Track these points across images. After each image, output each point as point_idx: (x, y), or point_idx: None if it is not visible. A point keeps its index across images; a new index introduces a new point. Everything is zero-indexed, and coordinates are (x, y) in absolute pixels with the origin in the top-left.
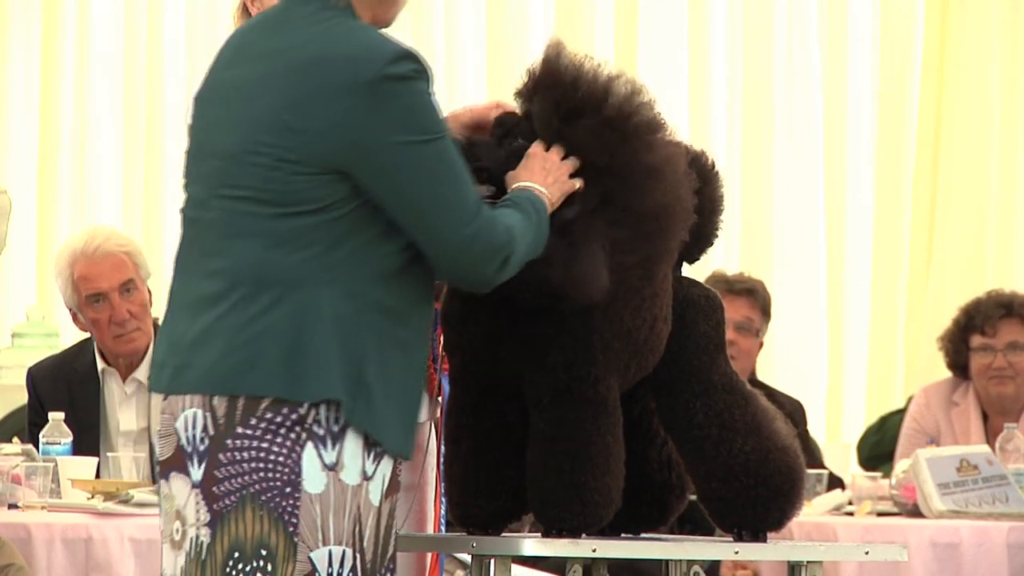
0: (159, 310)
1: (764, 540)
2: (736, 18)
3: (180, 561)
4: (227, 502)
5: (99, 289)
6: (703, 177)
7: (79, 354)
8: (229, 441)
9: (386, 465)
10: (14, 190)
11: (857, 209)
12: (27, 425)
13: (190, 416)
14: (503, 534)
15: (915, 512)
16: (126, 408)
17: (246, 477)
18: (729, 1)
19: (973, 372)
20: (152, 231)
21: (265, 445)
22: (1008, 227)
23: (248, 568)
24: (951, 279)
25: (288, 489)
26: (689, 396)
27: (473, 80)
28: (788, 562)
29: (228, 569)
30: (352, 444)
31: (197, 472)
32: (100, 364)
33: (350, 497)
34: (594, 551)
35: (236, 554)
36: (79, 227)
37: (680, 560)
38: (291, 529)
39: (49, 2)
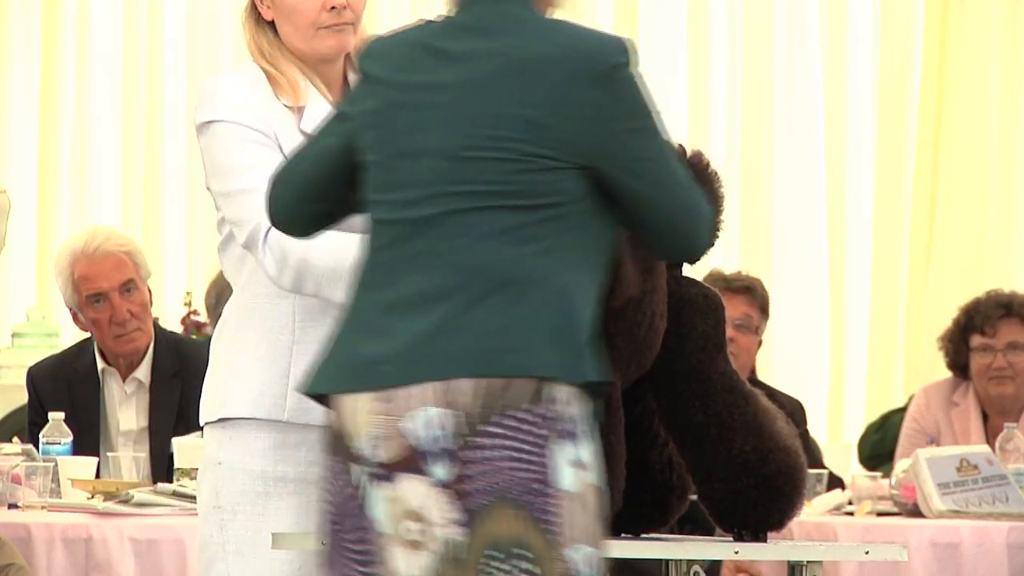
0: (159, 310)
1: (764, 540)
2: (736, 18)
3: (422, 561)
4: (480, 501)
5: (99, 289)
6: (700, 177)
7: (79, 354)
8: (478, 439)
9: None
10: (14, 190)
11: (857, 209)
12: (27, 425)
13: (429, 416)
14: None
15: (915, 512)
16: (126, 408)
17: (499, 476)
18: (729, 1)
19: (973, 372)
20: (152, 231)
21: (514, 443)
22: (1008, 227)
23: (506, 567)
24: (951, 279)
25: (542, 486)
26: (688, 396)
27: None
28: (788, 562)
29: (484, 567)
30: (592, 444)
31: (441, 472)
32: (100, 364)
33: (594, 496)
34: None
35: (493, 553)
36: (79, 227)
37: (680, 560)
38: (549, 527)
39: (49, 2)
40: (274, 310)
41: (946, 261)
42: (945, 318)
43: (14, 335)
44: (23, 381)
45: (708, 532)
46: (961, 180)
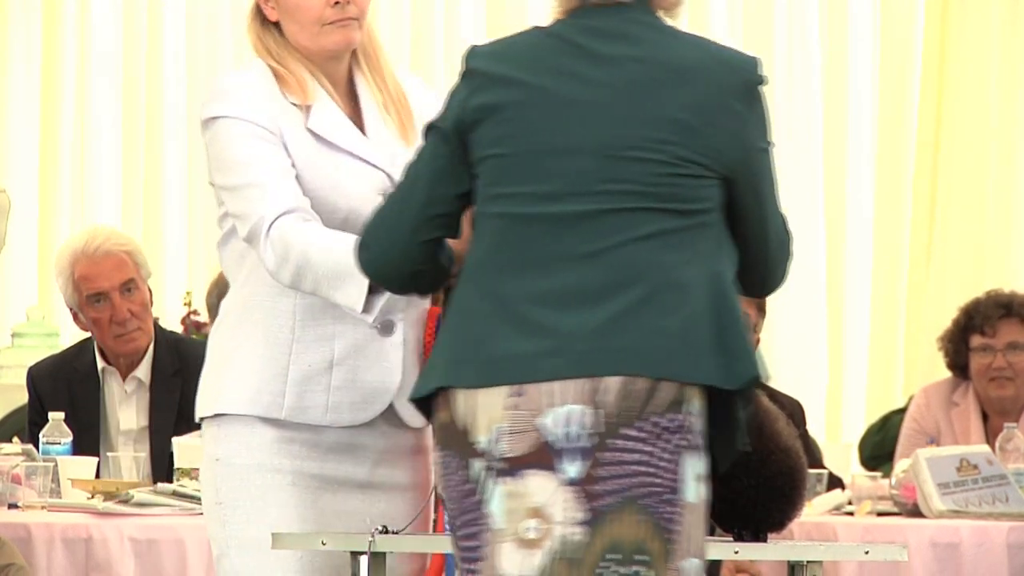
0: (159, 310)
1: (764, 540)
2: (736, 18)
3: (535, 560)
4: (608, 502)
5: (100, 289)
6: None
7: (79, 353)
8: (617, 441)
9: None
10: (14, 190)
11: (857, 209)
12: (27, 425)
13: (567, 413)
14: None
15: (915, 512)
16: (126, 407)
17: (630, 479)
18: (729, 1)
19: (973, 372)
20: (152, 231)
21: (650, 448)
22: (1008, 227)
23: (623, 570)
24: (951, 279)
25: (670, 496)
26: None
27: None
28: (788, 562)
29: (601, 570)
30: (707, 457)
31: (573, 469)
32: (100, 363)
33: (707, 510)
34: None
35: (612, 555)
36: (79, 227)
37: None
38: (670, 537)
39: (49, 2)
40: (274, 307)
41: (946, 261)
42: (945, 318)
43: (14, 335)
44: (23, 381)
45: (708, 532)
46: (961, 180)
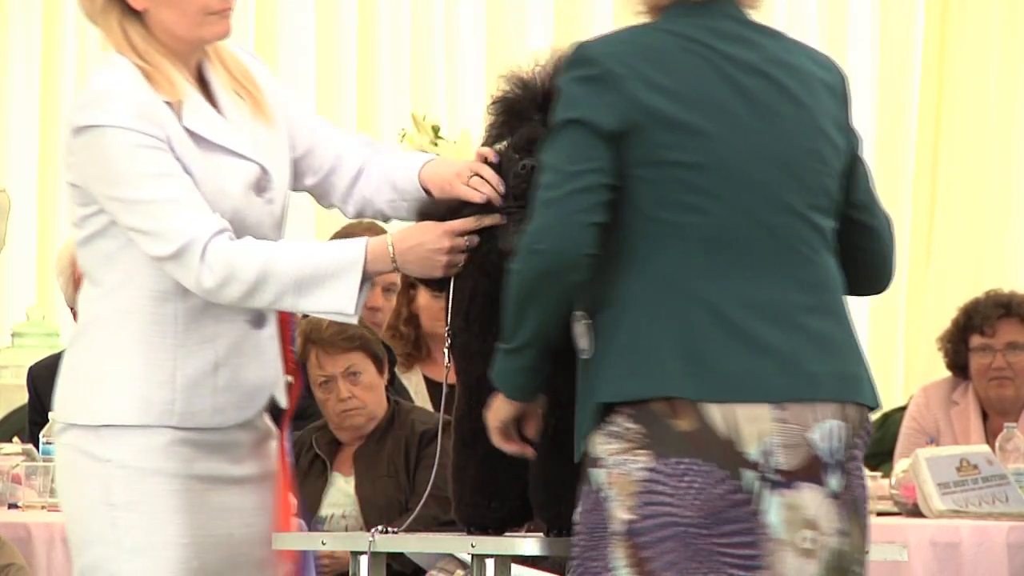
0: None
1: None
2: None
3: (811, 569)
4: (856, 511)
5: None
6: None
7: None
8: (855, 452)
9: None
10: (14, 190)
11: None
12: (27, 425)
13: (830, 428)
14: (503, 534)
15: (915, 512)
16: None
17: (863, 490)
18: None
19: (972, 372)
20: None
21: (861, 459)
22: (1007, 227)
23: (860, 574)
24: (951, 279)
25: (865, 506)
26: None
27: (473, 81)
28: None
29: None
30: None
31: (835, 483)
32: None
33: None
34: None
35: (861, 560)
36: None
37: None
38: (867, 539)
39: (49, 2)
40: (155, 313)
41: (946, 261)
42: (945, 318)
43: (14, 335)
44: (23, 381)
45: None
46: (961, 180)
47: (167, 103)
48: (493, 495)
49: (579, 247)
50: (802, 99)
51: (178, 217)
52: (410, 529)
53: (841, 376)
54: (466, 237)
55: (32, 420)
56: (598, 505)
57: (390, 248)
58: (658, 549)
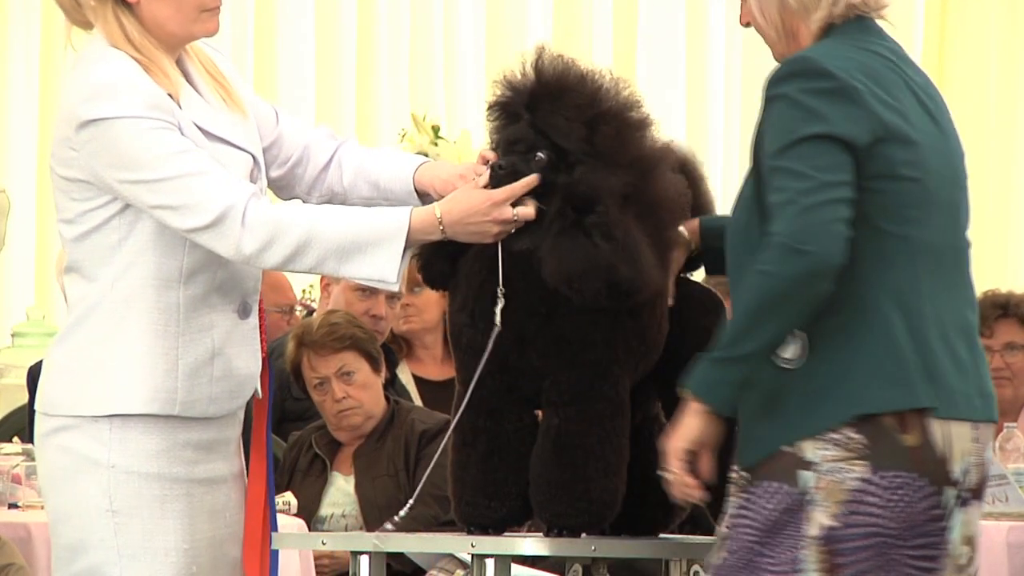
0: None
1: None
2: (735, 18)
3: None
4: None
5: None
6: (693, 181)
7: None
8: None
9: None
10: (14, 190)
11: None
12: (27, 425)
13: (989, 449)
14: (504, 534)
15: None
16: None
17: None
18: (728, 1)
19: None
20: None
21: None
22: (1006, 227)
23: None
24: None
25: None
26: None
27: (472, 81)
28: None
29: None
30: None
31: (984, 500)
32: None
33: None
34: (594, 550)
35: None
36: None
37: (680, 560)
38: None
39: (49, 2)
40: (159, 301)
41: None
42: None
43: (14, 335)
44: (23, 381)
45: (708, 532)
46: None
47: (168, 95)
48: (493, 495)
49: (838, 255)
50: (948, 120)
51: (210, 186)
52: (410, 529)
53: (992, 396)
54: (516, 209)
55: (32, 420)
56: (797, 506)
57: (438, 216)
58: (854, 557)
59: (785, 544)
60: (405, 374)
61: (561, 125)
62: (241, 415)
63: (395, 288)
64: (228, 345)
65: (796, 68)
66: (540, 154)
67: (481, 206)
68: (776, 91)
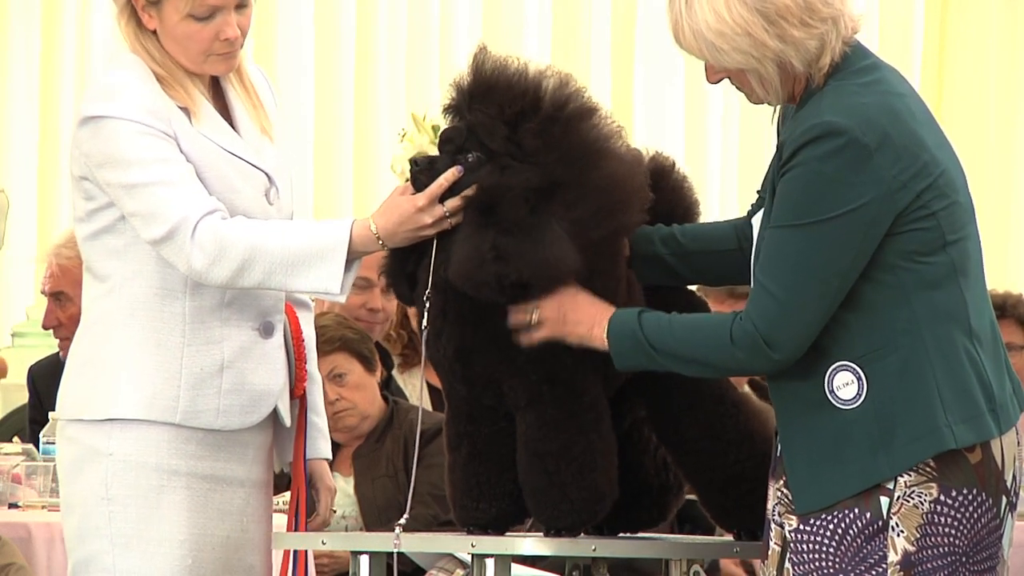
0: None
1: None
2: None
3: None
4: None
5: None
6: (673, 186)
7: None
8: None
9: None
10: (14, 190)
11: None
12: (27, 424)
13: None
14: (504, 534)
15: None
16: None
17: None
18: None
19: None
20: None
21: None
22: (1005, 227)
23: None
24: None
25: None
26: (677, 410)
27: None
28: None
29: None
30: None
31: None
32: None
33: None
34: (594, 550)
35: None
36: None
37: (680, 559)
38: None
39: (49, 2)
40: (163, 310)
41: None
42: None
43: (14, 335)
44: (23, 381)
45: (708, 531)
46: None
47: (181, 108)
48: (479, 496)
49: (799, 355)
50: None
51: (171, 198)
52: (410, 528)
53: (1020, 390)
54: (446, 203)
55: (32, 420)
56: (874, 533)
57: (374, 231)
58: None
59: (863, 572)
60: (416, 380)
61: (487, 124)
62: (269, 426)
63: (342, 300)
64: (241, 360)
65: (822, 135)
66: (470, 155)
67: (409, 211)
68: (803, 158)
